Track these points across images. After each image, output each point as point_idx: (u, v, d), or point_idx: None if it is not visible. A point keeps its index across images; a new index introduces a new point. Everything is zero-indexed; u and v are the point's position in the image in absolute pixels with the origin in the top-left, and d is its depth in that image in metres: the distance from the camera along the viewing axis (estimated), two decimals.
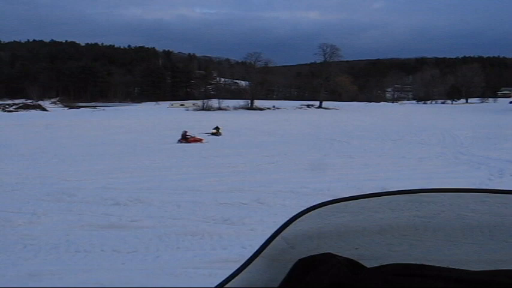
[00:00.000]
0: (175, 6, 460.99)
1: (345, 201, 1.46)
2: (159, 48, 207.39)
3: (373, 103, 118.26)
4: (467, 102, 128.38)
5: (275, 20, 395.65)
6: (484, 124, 49.64)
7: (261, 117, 72.57)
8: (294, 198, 10.83)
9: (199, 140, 34.50)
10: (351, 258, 1.29)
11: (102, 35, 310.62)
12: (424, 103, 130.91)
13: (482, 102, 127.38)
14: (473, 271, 1.22)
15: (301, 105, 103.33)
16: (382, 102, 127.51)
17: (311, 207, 1.43)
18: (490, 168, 16.67)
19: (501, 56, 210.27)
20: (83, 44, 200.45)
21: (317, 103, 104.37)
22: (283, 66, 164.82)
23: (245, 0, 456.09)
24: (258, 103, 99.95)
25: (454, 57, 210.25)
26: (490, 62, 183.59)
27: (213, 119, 62.20)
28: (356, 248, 1.39)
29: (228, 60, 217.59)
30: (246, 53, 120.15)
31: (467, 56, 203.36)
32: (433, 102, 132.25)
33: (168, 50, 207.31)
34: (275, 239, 1.36)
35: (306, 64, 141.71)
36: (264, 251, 1.33)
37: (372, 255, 1.36)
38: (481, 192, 1.54)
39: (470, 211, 1.52)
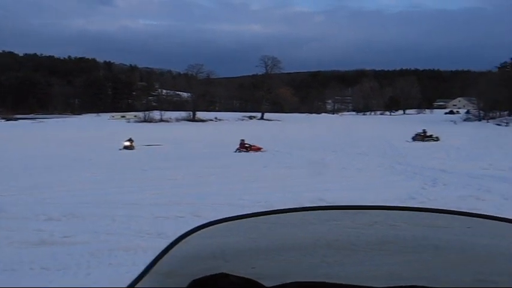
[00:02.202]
0: (118, 17, 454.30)
1: (239, 219, 1.41)
2: (100, 59, 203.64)
3: (314, 114, 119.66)
4: (404, 113, 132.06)
5: (218, 32, 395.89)
6: None
7: (203, 128, 72.42)
8: (230, 211, 10.68)
9: (259, 149, 33.96)
10: (249, 277, 1.25)
11: (43, 46, 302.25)
12: (364, 114, 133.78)
13: (419, 113, 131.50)
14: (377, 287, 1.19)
15: (244, 116, 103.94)
16: (322, 114, 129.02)
17: (202, 225, 1.37)
18: (424, 177, 17.06)
19: (436, 68, 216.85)
20: (21, 55, 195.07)
21: (259, 114, 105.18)
22: (226, 78, 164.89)
23: (188, 12, 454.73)
24: (200, 115, 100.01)
25: (392, 69, 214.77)
26: (426, 75, 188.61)
27: (155, 130, 61.74)
28: (253, 268, 1.35)
29: (170, 71, 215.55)
30: (188, 65, 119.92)
31: (404, 68, 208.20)
32: (372, 113, 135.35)
33: (109, 61, 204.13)
34: (164, 257, 1.30)
35: (248, 76, 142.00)
36: (152, 269, 1.28)
37: (271, 273, 1.32)
38: (381, 209, 1.50)
39: (388, 228, 1.49)
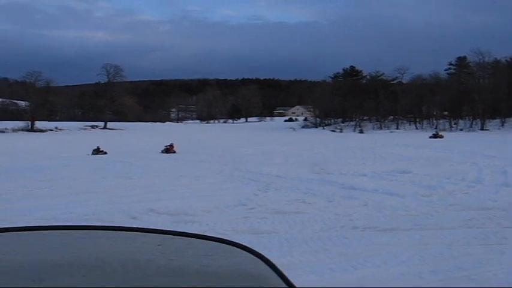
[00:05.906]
0: None
1: None
2: None
3: (158, 123, 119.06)
4: (247, 121, 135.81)
5: (60, 39, 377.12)
6: (262, 141, 52.56)
7: (42, 139, 69.28)
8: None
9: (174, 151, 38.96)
10: None
11: None
12: (207, 123, 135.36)
13: (260, 121, 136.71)
14: None
15: (86, 126, 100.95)
16: (167, 122, 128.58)
17: None
18: (258, 183, 17.59)
19: (275, 78, 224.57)
20: None
21: (102, 124, 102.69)
22: (67, 86, 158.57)
23: (28, 17, 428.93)
24: (39, 124, 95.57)
25: (234, 78, 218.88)
26: (266, 84, 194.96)
27: None
28: None
29: (6, 79, 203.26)
30: (26, 72, 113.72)
31: (246, 77, 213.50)
32: (216, 121, 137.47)
33: None
34: None
35: (91, 84, 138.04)
36: None
37: None
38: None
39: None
